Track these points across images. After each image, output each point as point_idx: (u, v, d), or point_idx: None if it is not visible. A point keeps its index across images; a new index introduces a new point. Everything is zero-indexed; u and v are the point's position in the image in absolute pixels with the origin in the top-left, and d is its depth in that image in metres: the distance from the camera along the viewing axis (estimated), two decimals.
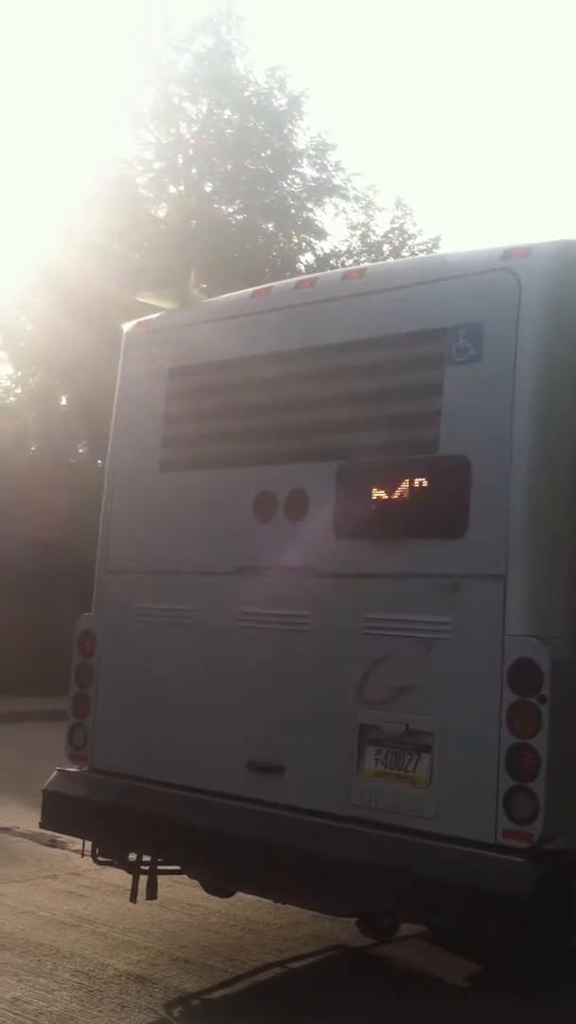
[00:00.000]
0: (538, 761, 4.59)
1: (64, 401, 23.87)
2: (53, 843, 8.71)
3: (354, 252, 27.80)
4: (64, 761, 6.47)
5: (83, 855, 6.42)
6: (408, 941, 6.51)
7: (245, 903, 7.09)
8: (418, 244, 28.08)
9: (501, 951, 5.49)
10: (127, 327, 6.82)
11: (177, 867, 6.36)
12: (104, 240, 21.14)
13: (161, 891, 6.45)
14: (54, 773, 6.41)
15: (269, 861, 5.31)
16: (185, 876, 6.61)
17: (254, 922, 6.99)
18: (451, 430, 5.13)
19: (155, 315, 6.71)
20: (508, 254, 5.10)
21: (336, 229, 40.27)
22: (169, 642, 6.08)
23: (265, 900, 6.67)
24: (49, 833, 7.89)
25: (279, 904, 6.67)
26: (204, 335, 6.37)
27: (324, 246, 26.93)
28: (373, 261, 24.94)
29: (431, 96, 54.70)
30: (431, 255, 20.73)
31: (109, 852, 6.27)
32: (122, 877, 6.57)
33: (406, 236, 28.43)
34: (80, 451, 23.57)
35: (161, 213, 24.97)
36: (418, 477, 5.27)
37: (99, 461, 19.11)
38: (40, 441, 22.87)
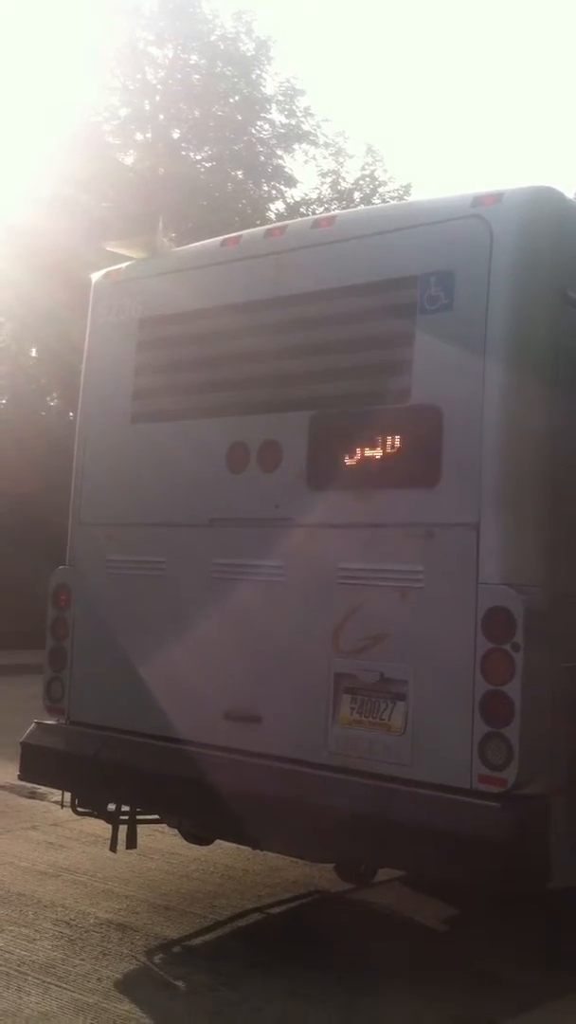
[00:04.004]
0: (512, 707, 4.64)
1: (34, 353, 23.64)
2: (33, 795, 8.76)
3: (324, 199, 27.57)
4: (42, 714, 6.48)
5: (63, 806, 6.45)
6: (386, 886, 6.60)
7: (224, 851, 7.15)
8: (389, 191, 27.86)
9: (478, 895, 5.57)
10: (95, 277, 6.74)
11: (156, 816, 6.41)
12: (70, 189, 20.87)
13: (140, 840, 6.50)
14: (32, 726, 6.43)
15: (247, 809, 5.35)
16: (164, 825, 6.67)
17: (233, 869, 7.06)
18: (423, 379, 5.11)
19: (123, 265, 6.63)
20: (479, 201, 5.06)
21: (306, 176, 40.05)
22: (143, 594, 6.07)
23: (244, 847, 6.74)
24: (29, 785, 7.93)
25: (257, 851, 6.74)
26: (173, 285, 6.31)
27: (294, 194, 26.74)
28: (344, 208, 24.73)
29: (401, 40, 54.08)
30: (402, 202, 20.56)
31: (88, 803, 6.30)
32: (102, 827, 6.61)
33: (377, 183, 28.21)
34: (51, 404, 23.41)
35: (128, 160, 24.65)
36: (390, 427, 5.26)
37: (70, 414, 19.01)
38: (10, 394, 22.69)
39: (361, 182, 28.20)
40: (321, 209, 26.04)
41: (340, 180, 28.07)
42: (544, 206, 5.08)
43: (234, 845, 6.83)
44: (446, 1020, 4.94)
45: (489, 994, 5.25)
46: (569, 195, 5.40)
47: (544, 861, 4.68)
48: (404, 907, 6.45)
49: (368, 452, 5.34)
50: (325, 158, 27.53)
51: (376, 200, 27.18)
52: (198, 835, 6.64)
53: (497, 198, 5.02)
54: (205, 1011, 5.00)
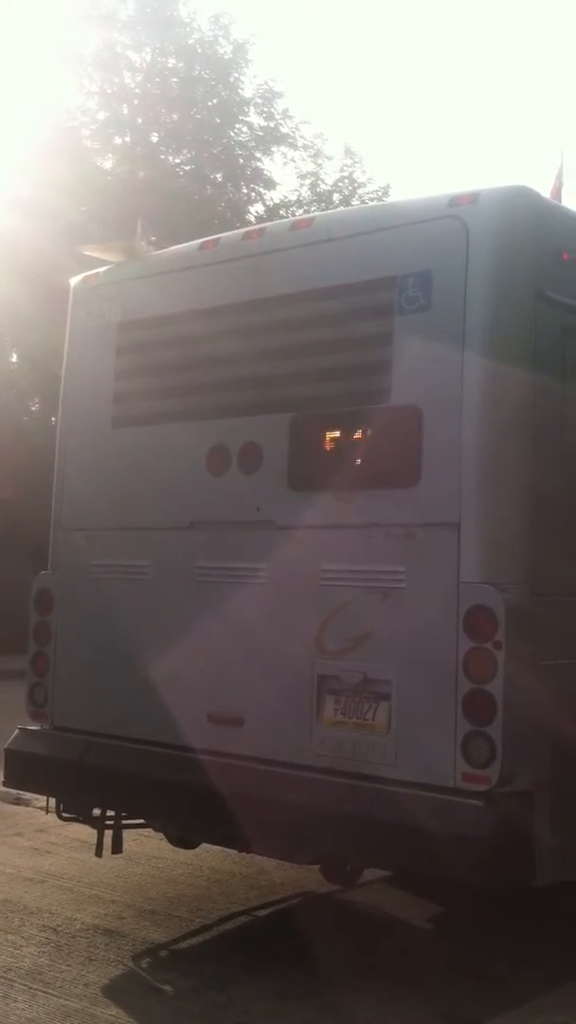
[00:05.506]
0: (494, 706, 4.65)
1: (14, 359, 23.58)
2: (18, 801, 8.74)
3: (304, 201, 27.55)
4: (26, 719, 6.47)
5: (47, 812, 6.44)
6: (372, 886, 6.61)
7: (210, 854, 7.15)
8: (368, 192, 27.87)
9: (464, 893, 5.58)
10: (74, 282, 6.74)
11: (141, 821, 6.40)
12: (49, 194, 20.82)
13: (126, 845, 6.48)
14: (15, 732, 6.42)
15: (232, 812, 5.35)
16: (150, 829, 6.65)
17: (219, 872, 7.06)
18: (402, 380, 5.13)
19: (102, 269, 6.64)
20: (455, 201, 5.08)
21: (285, 179, 40.04)
22: (126, 598, 6.07)
23: (230, 850, 6.73)
24: (13, 791, 7.91)
25: (243, 854, 6.74)
26: (152, 288, 6.31)
27: (273, 196, 26.70)
28: (323, 210, 24.71)
29: (379, 41, 54.17)
30: (379, 203, 20.59)
31: (73, 808, 6.29)
32: (87, 832, 6.61)
33: (355, 185, 28.19)
34: (32, 409, 23.34)
35: (107, 165, 24.62)
36: (370, 427, 5.28)
37: (52, 419, 18.97)
38: None
39: (340, 184, 28.19)
40: (301, 211, 25.99)
41: (319, 182, 28.05)
42: (520, 206, 5.10)
43: (220, 848, 6.83)
44: (434, 1018, 4.96)
45: (476, 991, 5.26)
46: (545, 194, 5.43)
47: (529, 858, 4.70)
48: (391, 907, 6.46)
49: (348, 453, 5.35)
50: (304, 160, 27.53)
51: (355, 201, 27.17)
52: (184, 839, 6.63)
53: (473, 198, 5.04)
54: (192, 1014, 4.99)
